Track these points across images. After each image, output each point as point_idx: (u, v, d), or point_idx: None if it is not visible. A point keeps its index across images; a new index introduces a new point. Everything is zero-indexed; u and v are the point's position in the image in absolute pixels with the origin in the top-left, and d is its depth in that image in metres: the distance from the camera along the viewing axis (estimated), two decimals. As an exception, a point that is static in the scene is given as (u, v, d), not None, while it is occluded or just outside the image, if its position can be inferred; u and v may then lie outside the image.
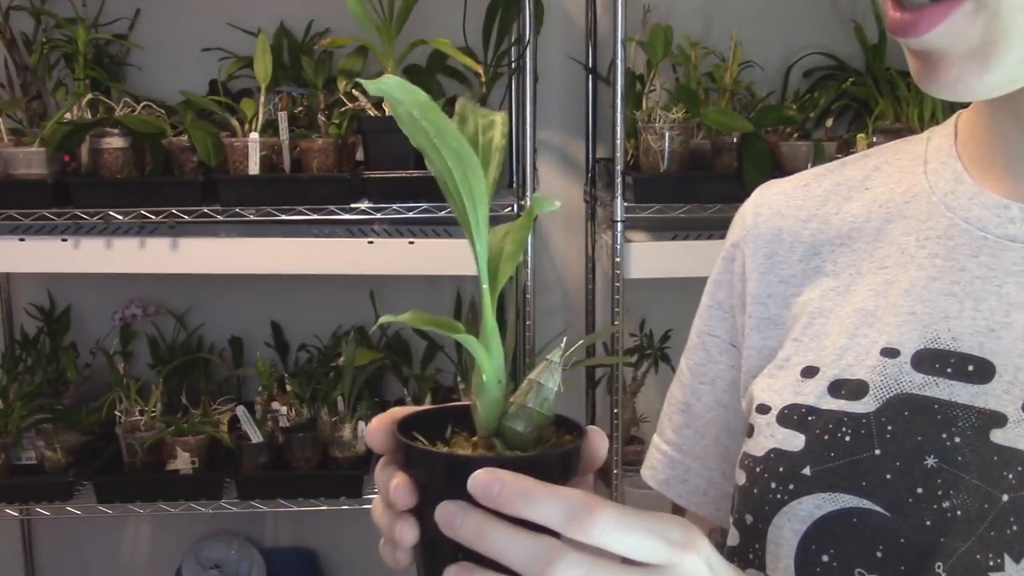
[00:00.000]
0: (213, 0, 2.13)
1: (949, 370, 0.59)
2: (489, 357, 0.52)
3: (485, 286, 0.52)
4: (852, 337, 0.64)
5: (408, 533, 0.51)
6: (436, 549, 0.51)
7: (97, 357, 2.19)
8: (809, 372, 0.65)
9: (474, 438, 0.53)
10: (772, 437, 0.64)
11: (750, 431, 0.67)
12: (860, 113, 2.01)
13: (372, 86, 0.47)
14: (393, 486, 0.50)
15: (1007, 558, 0.53)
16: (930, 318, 0.61)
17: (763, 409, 0.67)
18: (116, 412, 1.97)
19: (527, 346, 2.00)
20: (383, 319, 0.52)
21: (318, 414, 1.99)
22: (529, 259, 1.94)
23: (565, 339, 0.56)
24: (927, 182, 0.67)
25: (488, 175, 0.51)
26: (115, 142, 1.87)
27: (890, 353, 0.62)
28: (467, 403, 0.55)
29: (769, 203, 0.75)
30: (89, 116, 1.90)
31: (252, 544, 2.33)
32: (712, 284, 0.78)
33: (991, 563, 0.54)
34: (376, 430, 0.53)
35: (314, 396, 2.01)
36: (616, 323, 1.93)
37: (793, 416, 0.64)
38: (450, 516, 0.48)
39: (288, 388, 2.03)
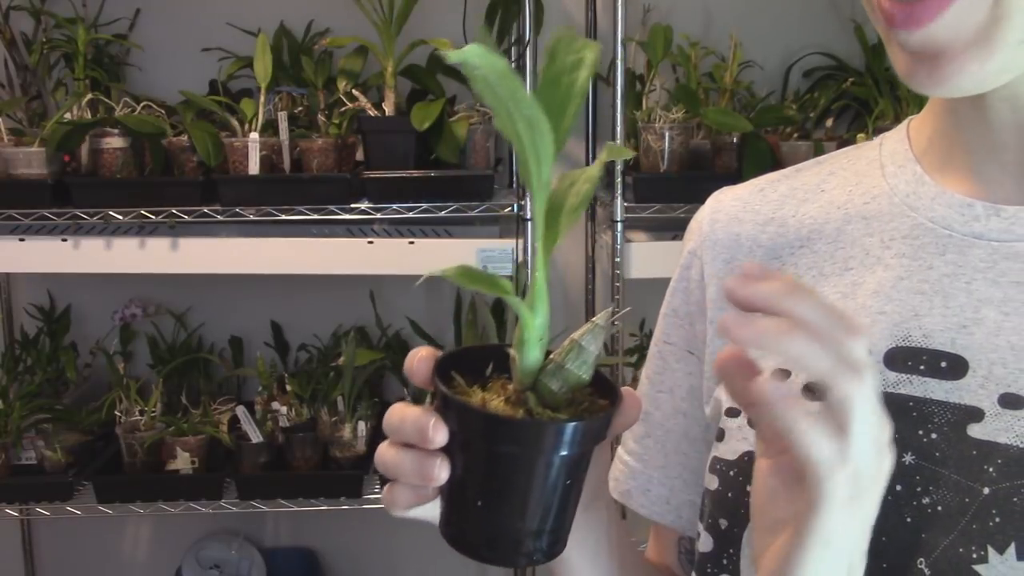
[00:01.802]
0: (213, 0, 2.14)
1: (922, 367, 0.60)
2: (533, 316, 0.52)
3: (540, 243, 0.52)
4: None
5: (444, 470, 0.52)
6: (463, 488, 0.53)
7: (97, 357, 2.19)
8: (779, 375, 0.65)
9: (511, 385, 0.54)
10: (745, 439, 0.64)
11: (720, 435, 0.67)
12: (860, 113, 2.01)
13: (455, 55, 0.47)
14: (433, 425, 0.52)
15: (991, 550, 0.54)
16: (900, 317, 0.62)
17: (732, 412, 0.66)
18: (116, 412, 1.97)
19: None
20: (429, 273, 0.53)
21: (318, 414, 1.99)
22: (529, 259, 1.94)
23: (612, 305, 0.57)
24: (887, 184, 0.67)
25: (563, 123, 0.52)
26: (115, 142, 1.87)
27: None
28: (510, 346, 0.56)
29: (725, 209, 0.75)
30: (89, 116, 1.90)
31: (252, 544, 2.33)
32: (669, 292, 0.77)
33: (974, 555, 0.54)
34: (423, 360, 0.54)
35: (314, 396, 2.01)
36: (616, 323, 1.93)
37: None
38: (736, 323, 0.47)
39: (288, 388, 2.03)
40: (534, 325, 0.52)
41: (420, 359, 0.54)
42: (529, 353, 0.53)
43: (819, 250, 0.68)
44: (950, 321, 0.60)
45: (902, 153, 0.68)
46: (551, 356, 0.53)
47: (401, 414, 0.54)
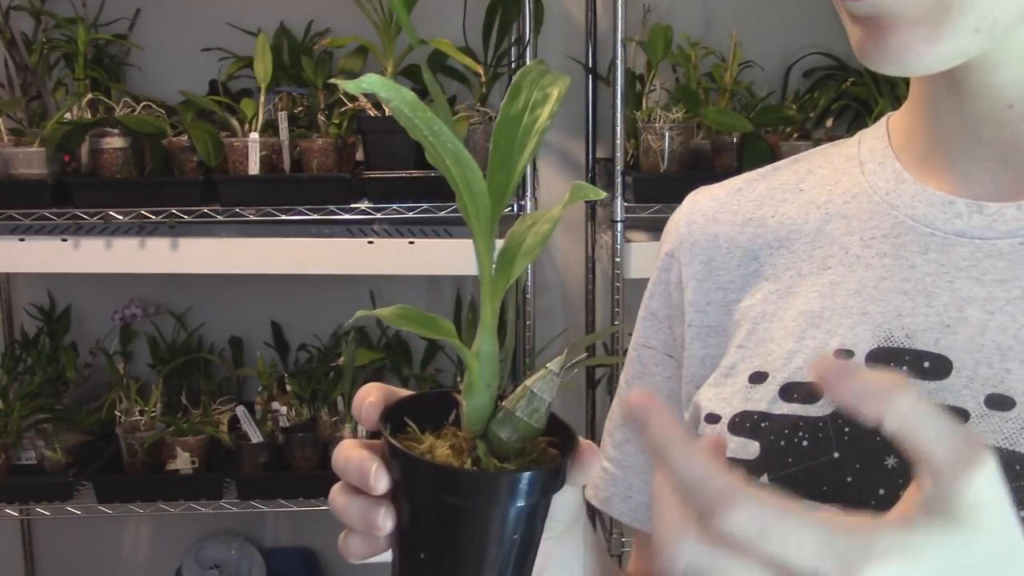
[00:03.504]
0: (213, 0, 2.13)
1: (904, 368, 0.58)
2: (479, 360, 0.50)
3: (486, 288, 0.50)
4: (800, 340, 0.63)
5: (389, 519, 0.50)
6: (409, 539, 0.51)
7: (97, 357, 2.19)
8: (758, 378, 0.64)
9: (461, 433, 0.52)
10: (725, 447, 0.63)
11: None
12: (860, 113, 2.00)
13: (353, 86, 0.45)
14: (375, 471, 0.50)
15: None
16: (883, 317, 0.60)
17: (712, 419, 0.65)
18: (116, 412, 1.96)
19: (527, 346, 2.00)
20: (359, 313, 0.50)
21: (318, 414, 1.99)
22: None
23: (567, 350, 0.53)
24: (866, 182, 0.66)
25: (519, 160, 0.49)
26: (115, 142, 1.87)
27: (844, 355, 0.61)
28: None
29: (703, 210, 0.74)
30: (89, 116, 1.90)
31: (252, 544, 2.33)
32: (647, 295, 0.76)
33: None
34: (372, 405, 0.52)
35: (314, 396, 2.01)
36: (616, 323, 1.93)
37: (745, 424, 0.62)
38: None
39: (288, 388, 2.03)
40: (480, 371, 0.50)
41: (369, 404, 0.52)
42: (476, 399, 0.50)
43: (797, 250, 0.67)
44: (933, 321, 0.59)
45: (881, 150, 0.67)
46: (503, 403, 0.51)
47: (346, 455, 0.51)
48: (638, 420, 0.41)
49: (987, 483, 0.39)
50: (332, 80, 0.53)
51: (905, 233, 0.62)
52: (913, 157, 0.65)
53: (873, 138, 0.69)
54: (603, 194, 0.48)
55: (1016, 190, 0.60)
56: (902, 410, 0.39)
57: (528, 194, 1.92)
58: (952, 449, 0.39)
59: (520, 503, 0.49)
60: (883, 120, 0.69)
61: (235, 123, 1.89)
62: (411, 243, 1.88)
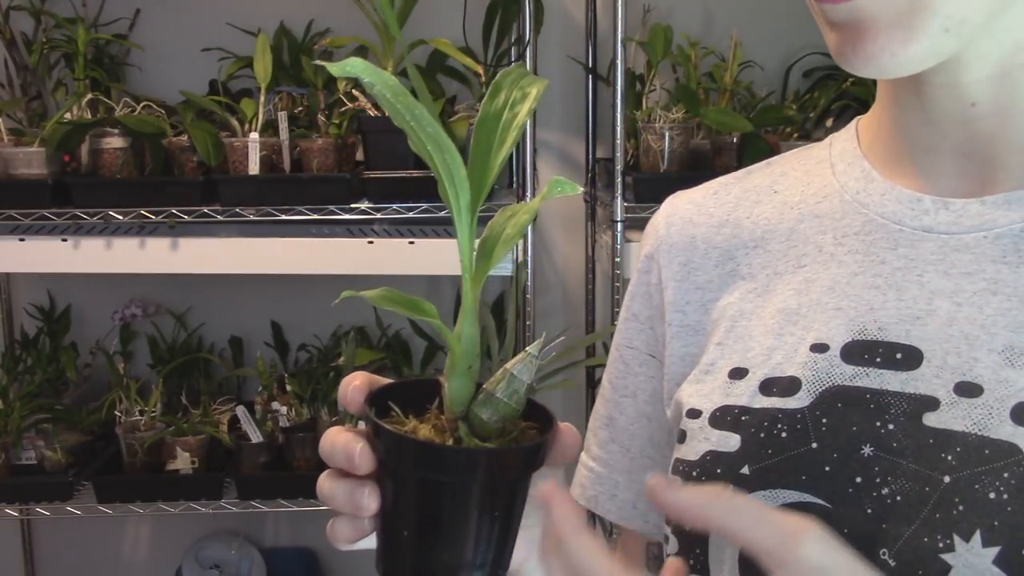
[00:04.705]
0: (213, 0, 2.14)
1: (878, 359, 0.60)
2: (460, 343, 0.51)
3: (467, 275, 0.51)
4: (779, 336, 0.65)
5: (374, 499, 0.52)
6: (393, 519, 0.52)
7: (97, 357, 2.19)
8: (737, 374, 0.66)
9: (444, 416, 0.53)
10: (706, 440, 0.64)
11: (681, 437, 0.67)
12: (860, 113, 2.00)
13: (337, 68, 0.46)
14: (360, 450, 0.52)
15: (956, 538, 0.54)
16: (856, 311, 0.63)
17: (693, 414, 0.67)
18: (116, 412, 1.97)
19: (527, 346, 2.00)
20: (345, 294, 0.52)
21: (318, 414, 1.99)
22: (529, 259, 1.94)
23: (545, 333, 0.56)
24: (837, 182, 0.68)
25: (499, 153, 0.51)
26: (115, 142, 1.87)
27: (819, 348, 0.62)
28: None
29: (680, 213, 0.76)
30: (89, 116, 1.90)
31: (252, 544, 2.33)
32: (628, 297, 0.78)
33: (940, 544, 0.54)
34: (357, 389, 0.54)
35: (314, 396, 2.01)
36: (616, 323, 1.93)
37: (726, 417, 0.64)
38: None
39: (288, 388, 2.03)
40: (461, 353, 0.51)
41: (354, 388, 0.54)
42: (457, 381, 0.52)
43: (772, 249, 0.69)
44: (904, 313, 0.61)
45: (851, 151, 0.69)
46: (484, 386, 0.52)
47: (333, 439, 0.53)
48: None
49: (818, 549, 0.46)
50: (317, 61, 0.55)
51: (875, 230, 0.64)
52: (881, 157, 0.67)
53: (843, 140, 0.71)
54: (580, 189, 0.50)
55: (980, 186, 0.62)
56: (717, 513, 0.47)
57: (528, 193, 1.92)
58: (773, 530, 0.46)
59: (500, 479, 0.50)
60: (853, 123, 0.72)
61: (235, 123, 1.89)
62: (411, 243, 1.88)
